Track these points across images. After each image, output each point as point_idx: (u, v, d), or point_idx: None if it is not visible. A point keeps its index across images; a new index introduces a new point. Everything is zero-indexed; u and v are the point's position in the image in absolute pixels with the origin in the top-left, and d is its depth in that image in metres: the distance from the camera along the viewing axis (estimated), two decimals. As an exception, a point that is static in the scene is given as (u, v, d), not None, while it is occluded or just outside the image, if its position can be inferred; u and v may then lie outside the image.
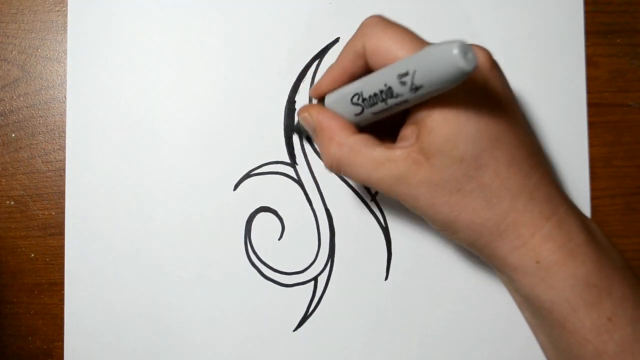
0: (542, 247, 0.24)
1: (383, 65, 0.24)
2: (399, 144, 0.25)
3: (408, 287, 0.33)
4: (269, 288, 0.33)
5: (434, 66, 0.20)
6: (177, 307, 0.32)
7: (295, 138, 0.33)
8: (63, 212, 0.33)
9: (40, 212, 0.33)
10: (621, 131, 0.34)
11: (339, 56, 0.27)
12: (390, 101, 0.23)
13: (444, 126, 0.23)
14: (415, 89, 0.21)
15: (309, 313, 0.33)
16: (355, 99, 0.25)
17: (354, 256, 0.33)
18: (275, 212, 0.33)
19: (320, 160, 0.33)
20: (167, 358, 0.32)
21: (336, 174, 0.27)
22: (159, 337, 0.32)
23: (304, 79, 0.33)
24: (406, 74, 0.21)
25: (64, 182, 0.33)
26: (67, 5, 0.33)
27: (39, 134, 0.33)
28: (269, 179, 0.33)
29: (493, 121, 0.23)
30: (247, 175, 0.33)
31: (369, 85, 0.24)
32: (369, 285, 0.33)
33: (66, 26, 0.33)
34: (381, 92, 0.23)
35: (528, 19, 0.34)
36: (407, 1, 0.34)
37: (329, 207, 0.33)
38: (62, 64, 0.34)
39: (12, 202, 0.33)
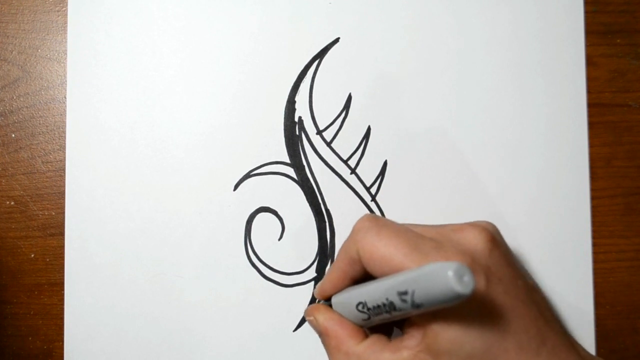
0: None
1: (381, 271, 0.24)
2: (405, 342, 0.25)
3: (408, 287, 0.33)
4: (269, 288, 0.33)
5: (431, 288, 0.20)
6: (177, 307, 0.32)
7: (296, 138, 0.33)
8: (63, 212, 0.33)
9: (40, 212, 0.33)
10: (621, 131, 0.34)
11: (336, 259, 0.27)
12: (395, 313, 0.23)
13: (449, 329, 0.23)
14: (416, 306, 0.21)
15: (309, 313, 0.33)
16: (360, 307, 0.25)
17: (354, 256, 0.33)
18: (275, 212, 0.33)
19: (320, 160, 0.33)
20: (167, 358, 0.32)
21: None
22: (159, 337, 0.32)
23: (304, 79, 0.33)
24: (406, 293, 0.21)
25: (64, 182, 0.33)
26: (67, 5, 0.33)
27: (39, 134, 0.33)
28: (269, 179, 0.33)
29: (499, 312, 0.23)
30: (247, 175, 0.33)
31: (371, 297, 0.24)
32: (369, 286, 0.33)
33: (66, 26, 0.33)
34: (384, 305, 0.23)
35: (528, 19, 0.34)
36: (405, 1, 0.34)
37: (329, 207, 0.33)
38: (62, 64, 0.34)
39: (12, 202, 0.33)
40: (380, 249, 0.24)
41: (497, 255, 0.24)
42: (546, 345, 0.24)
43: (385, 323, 0.26)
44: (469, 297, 0.19)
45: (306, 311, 0.29)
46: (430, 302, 0.20)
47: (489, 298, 0.23)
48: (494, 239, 0.25)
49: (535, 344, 0.24)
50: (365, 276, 0.26)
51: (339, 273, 0.27)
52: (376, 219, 0.25)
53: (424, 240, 0.24)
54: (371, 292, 0.24)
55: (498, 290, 0.24)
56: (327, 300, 0.28)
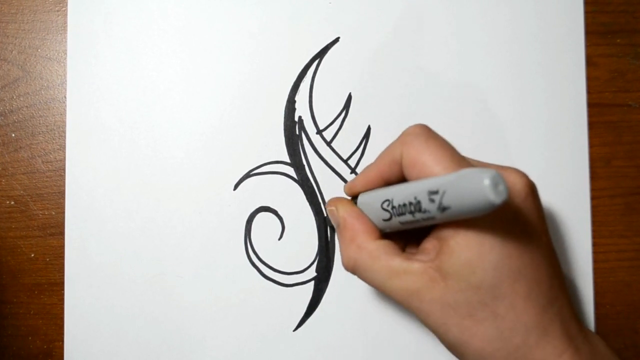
0: None
1: (417, 177, 0.24)
2: (418, 256, 0.24)
3: (408, 287, 0.33)
4: (269, 288, 0.33)
5: (464, 192, 0.20)
6: (177, 307, 0.32)
7: (296, 138, 0.33)
8: (63, 212, 0.33)
9: (40, 212, 0.33)
10: (621, 131, 0.34)
11: (377, 158, 0.27)
12: (418, 215, 0.22)
13: (466, 250, 0.22)
14: (442, 209, 0.21)
15: (309, 313, 0.33)
16: (385, 205, 0.25)
17: (354, 256, 0.33)
18: (275, 212, 0.33)
19: (320, 160, 0.33)
20: (167, 358, 0.32)
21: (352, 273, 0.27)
22: (159, 337, 0.32)
23: (304, 79, 0.33)
24: (436, 193, 0.21)
25: (64, 182, 0.33)
26: (67, 5, 0.33)
27: (39, 134, 0.33)
28: (269, 179, 0.33)
29: (518, 253, 0.23)
30: (247, 175, 0.33)
31: (400, 194, 0.24)
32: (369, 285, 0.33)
33: (66, 26, 0.33)
34: (410, 203, 0.23)
35: (528, 19, 0.34)
36: (405, 1, 0.34)
37: (329, 207, 0.33)
38: (62, 64, 0.34)
39: (12, 202, 0.33)
40: (423, 156, 0.24)
41: (532, 203, 0.24)
42: (553, 306, 0.24)
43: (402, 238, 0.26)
44: (499, 207, 0.19)
45: (329, 201, 0.29)
46: (459, 206, 0.20)
47: (513, 233, 0.23)
48: (533, 187, 0.25)
49: (544, 300, 0.24)
50: (399, 180, 0.26)
51: (375, 171, 0.27)
52: (428, 128, 0.25)
53: (467, 161, 0.24)
54: (400, 190, 0.24)
55: (524, 232, 0.23)
56: (354, 198, 0.28)
